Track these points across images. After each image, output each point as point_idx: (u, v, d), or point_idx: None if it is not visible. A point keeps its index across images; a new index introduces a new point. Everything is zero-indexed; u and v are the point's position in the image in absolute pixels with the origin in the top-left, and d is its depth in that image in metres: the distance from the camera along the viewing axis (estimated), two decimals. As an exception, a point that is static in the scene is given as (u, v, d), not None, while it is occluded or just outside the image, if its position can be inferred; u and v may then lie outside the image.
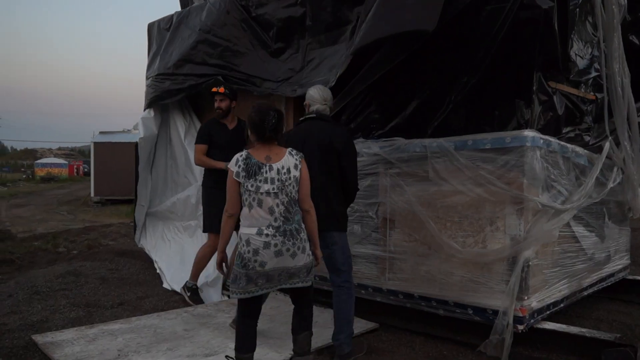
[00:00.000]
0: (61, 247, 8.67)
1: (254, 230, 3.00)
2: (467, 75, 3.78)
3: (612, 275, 5.16)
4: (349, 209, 4.57)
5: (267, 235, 3.00)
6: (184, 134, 5.86)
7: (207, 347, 3.77)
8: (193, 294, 5.00)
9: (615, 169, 4.59)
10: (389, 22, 3.56)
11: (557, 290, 4.11)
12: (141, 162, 5.97)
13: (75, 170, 37.26)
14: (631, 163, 4.61)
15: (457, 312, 3.93)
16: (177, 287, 5.33)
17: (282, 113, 3.20)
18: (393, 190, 4.26)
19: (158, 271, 5.94)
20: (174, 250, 5.91)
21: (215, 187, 4.87)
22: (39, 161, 40.36)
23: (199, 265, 5.04)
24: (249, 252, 2.99)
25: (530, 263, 3.65)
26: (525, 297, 3.66)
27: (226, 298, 5.09)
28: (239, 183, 3.02)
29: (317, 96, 3.71)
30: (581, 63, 4.18)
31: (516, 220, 3.65)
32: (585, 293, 4.68)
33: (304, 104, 3.79)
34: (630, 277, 5.50)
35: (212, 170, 4.91)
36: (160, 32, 6.07)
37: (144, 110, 5.98)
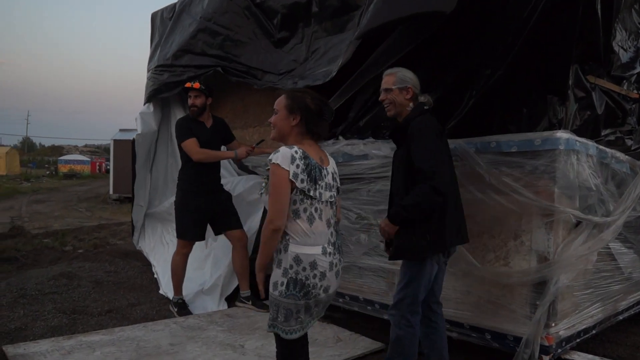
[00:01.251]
0: (68, 246, 8.40)
1: (318, 250, 2.41)
2: (492, 67, 3.30)
3: (650, 296, 4.61)
4: (355, 217, 4.16)
5: (329, 254, 2.44)
6: (186, 131, 5.47)
7: (191, 365, 3.38)
8: (180, 308, 4.60)
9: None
10: (400, 2, 3.11)
11: (589, 315, 3.60)
12: (139, 160, 5.62)
13: (97, 167, 37.41)
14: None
15: (473, 337, 3.46)
16: (171, 296, 4.96)
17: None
18: (404, 196, 3.79)
19: (155, 276, 5.58)
20: (172, 253, 5.52)
21: (197, 191, 4.51)
22: (62, 158, 40.56)
23: (177, 276, 4.66)
24: (314, 276, 2.38)
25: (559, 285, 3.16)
26: (553, 324, 3.18)
27: (224, 307, 4.69)
28: (293, 188, 2.39)
29: (417, 82, 3.03)
30: (624, 56, 3.68)
31: (544, 235, 3.16)
32: (621, 317, 4.15)
33: (405, 87, 2.96)
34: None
35: (198, 171, 4.52)
36: (163, 22, 5.73)
37: (144, 104, 5.63)
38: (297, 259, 2.37)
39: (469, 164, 3.40)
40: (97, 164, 38.01)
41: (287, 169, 2.34)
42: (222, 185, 4.71)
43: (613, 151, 3.60)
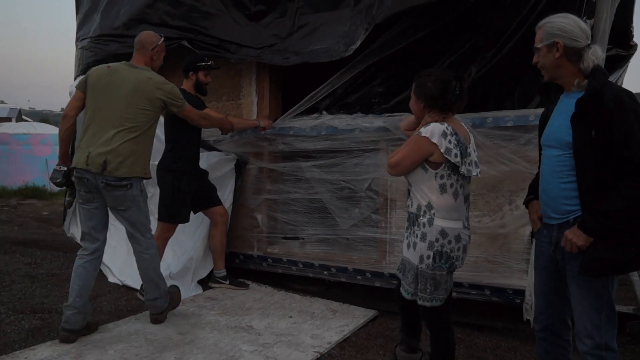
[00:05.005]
0: None
1: (460, 224, 2.58)
2: (494, 50, 3.62)
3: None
4: (345, 190, 4.30)
5: (467, 227, 2.64)
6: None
7: (219, 351, 3.29)
8: None
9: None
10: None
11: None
12: (78, 138, 5.01)
13: None
14: None
15: (473, 294, 3.86)
16: (131, 282, 4.64)
17: (465, 78, 2.65)
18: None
19: (97, 263, 5.13)
20: (117, 239, 5.10)
21: (187, 170, 4.24)
22: None
23: None
24: (458, 249, 2.56)
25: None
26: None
27: (199, 291, 4.54)
28: (441, 163, 2.48)
29: (578, 30, 2.22)
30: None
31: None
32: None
33: (552, 43, 2.22)
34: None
35: (191, 150, 4.30)
36: (98, -15, 5.09)
37: (76, 77, 5.00)
38: (443, 233, 2.51)
39: (465, 138, 3.73)
40: None
41: (435, 142, 2.44)
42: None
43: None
